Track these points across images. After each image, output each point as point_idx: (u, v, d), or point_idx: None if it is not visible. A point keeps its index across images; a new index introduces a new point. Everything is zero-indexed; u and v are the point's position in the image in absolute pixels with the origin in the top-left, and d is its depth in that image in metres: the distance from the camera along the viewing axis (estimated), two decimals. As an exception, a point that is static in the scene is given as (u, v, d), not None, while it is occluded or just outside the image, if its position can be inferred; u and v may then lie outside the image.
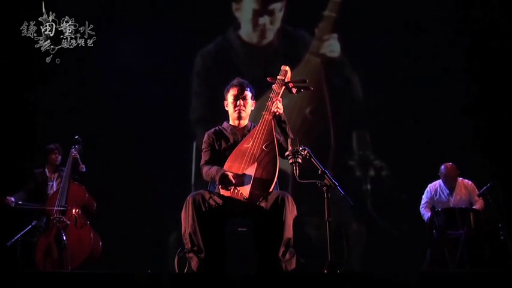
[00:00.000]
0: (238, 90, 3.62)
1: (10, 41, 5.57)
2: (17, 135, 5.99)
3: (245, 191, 3.22)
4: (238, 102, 3.62)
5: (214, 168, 3.43)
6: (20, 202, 5.00)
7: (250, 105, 3.67)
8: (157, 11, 6.48)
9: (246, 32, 6.73)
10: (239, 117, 3.64)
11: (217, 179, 3.32)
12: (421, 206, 5.63)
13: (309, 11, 6.60)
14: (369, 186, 6.47)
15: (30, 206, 5.00)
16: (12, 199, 5.02)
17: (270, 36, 6.71)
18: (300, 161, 3.13)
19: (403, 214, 6.01)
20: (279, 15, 6.70)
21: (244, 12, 6.73)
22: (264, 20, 6.69)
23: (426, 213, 5.50)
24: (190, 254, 3.27)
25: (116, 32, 6.30)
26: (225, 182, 3.27)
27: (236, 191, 3.25)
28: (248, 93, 3.65)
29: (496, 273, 3.20)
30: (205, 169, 3.52)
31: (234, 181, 3.25)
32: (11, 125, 6.00)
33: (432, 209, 5.48)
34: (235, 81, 3.68)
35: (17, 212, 5.11)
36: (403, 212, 6.02)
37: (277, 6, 6.70)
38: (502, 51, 6.20)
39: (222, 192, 3.31)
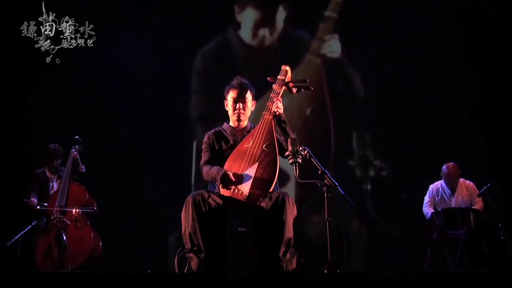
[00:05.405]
0: (237, 93, 3.59)
1: (10, 41, 5.57)
2: (17, 135, 5.98)
3: (245, 189, 3.23)
4: (237, 106, 3.60)
5: (215, 168, 3.43)
6: (46, 204, 4.98)
7: (249, 107, 3.66)
8: (157, 10, 6.48)
9: (246, 35, 6.73)
10: (238, 120, 3.63)
11: (218, 178, 3.33)
12: (424, 206, 5.64)
13: (309, 11, 6.60)
14: (369, 186, 6.48)
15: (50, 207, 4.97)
16: (35, 200, 5.03)
17: (269, 41, 6.71)
18: (300, 161, 3.14)
19: (403, 214, 6.01)
20: (280, 26, 6.69)
21: (245, 20, 6.71)
22: (264, 31, 6.68)
23: (429, 212, 5.49)
24: (190, 254, 3.28)
25: (116, 32, 6.30)
26: (226, 181, 3.28)
27: (236, 190, 3.25)
28: (248, 96, 3.62)
29: (496, 273, 3.20)
30: (205, 169, 3.53)
31: (234, 180, 3.26)
32: (11, 125, 5.99)
33: (434, 209, 5.50)
34: (234, 82, 3.64)
35: (17, 212, 5.11)
36: (403, 212, 6.02)
37: (279, 17, 6.69)
38: (503, 51, 6.20)
39: (222, 192, 3.32)
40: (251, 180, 3.24)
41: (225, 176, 3.28)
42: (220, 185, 3.32)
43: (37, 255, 4.73)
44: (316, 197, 5.49)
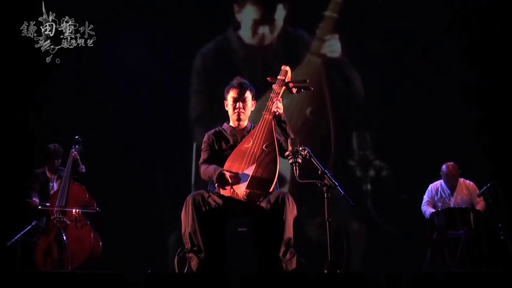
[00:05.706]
0: (237, 93, 3.61)
1: (10, 41, 5.57)
2: (17, 135, 5.98)
3: (241, 189, 3.23)
4: (237, 105, 3.61)
5: (211, 167, 3.43)
6: (48, 204, 4.98)
7: (249, 106, 3.67)
8: (157, 10, 6.47)
9: (246, 34, 6.72)
10: (238, 119, 3.64)
11: (214, 177, 3.33)
12: (422, 205, 5.64)
13: (309, 11, 6.60)
14: (369, 186, 6.47)
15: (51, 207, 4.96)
16: (37, 200, 5.03)
17: (269, 40, 6.71)
18: (300, 161, 3.14)
19: (403, 214, 6.01)
20: (280, 24, 6.69)
21: (245, 19, 6.70)
22: (264, 29, 6.68)
23: (428, 210, 5.50)
24: (190, 254, 3.28)
25: (116, 32, 6.30)
26: (222, 181, 3.28)
27: (232, 190, 3.25)
28: (248, 95, 3.63)
29: (496, 273, 3.20)
30: (203, 168, 3.53)
31: (230, 180, 3.26)
32: (11, 125, 5.99)
33: (433, 208, 5.50)
34: (234, 82, 3.65)
35: (17, 212, 5.10)
36: (403, 212, 6.02)
37: (278, 16, 6.69)
38: (504, 51, 6.20)
39: (222, 192, 3.32)
40: (248, 180, 3.24)
41: (221, 175, 3.29)
42: (216, 184, 3.32)
43: (37, 255, 4.73)
44: (316, 197, 5.49)
